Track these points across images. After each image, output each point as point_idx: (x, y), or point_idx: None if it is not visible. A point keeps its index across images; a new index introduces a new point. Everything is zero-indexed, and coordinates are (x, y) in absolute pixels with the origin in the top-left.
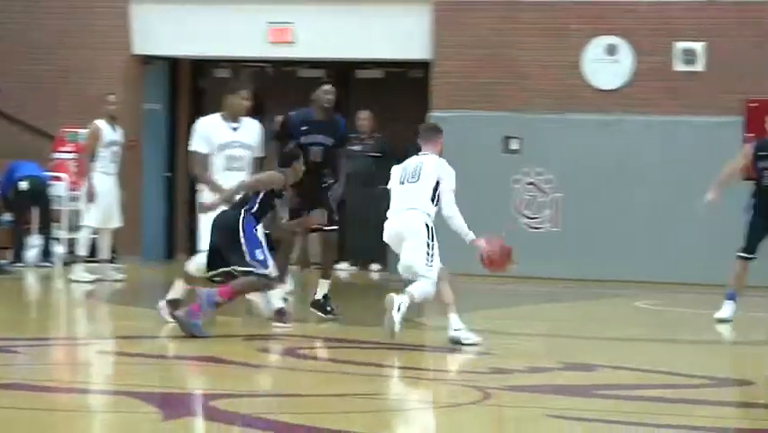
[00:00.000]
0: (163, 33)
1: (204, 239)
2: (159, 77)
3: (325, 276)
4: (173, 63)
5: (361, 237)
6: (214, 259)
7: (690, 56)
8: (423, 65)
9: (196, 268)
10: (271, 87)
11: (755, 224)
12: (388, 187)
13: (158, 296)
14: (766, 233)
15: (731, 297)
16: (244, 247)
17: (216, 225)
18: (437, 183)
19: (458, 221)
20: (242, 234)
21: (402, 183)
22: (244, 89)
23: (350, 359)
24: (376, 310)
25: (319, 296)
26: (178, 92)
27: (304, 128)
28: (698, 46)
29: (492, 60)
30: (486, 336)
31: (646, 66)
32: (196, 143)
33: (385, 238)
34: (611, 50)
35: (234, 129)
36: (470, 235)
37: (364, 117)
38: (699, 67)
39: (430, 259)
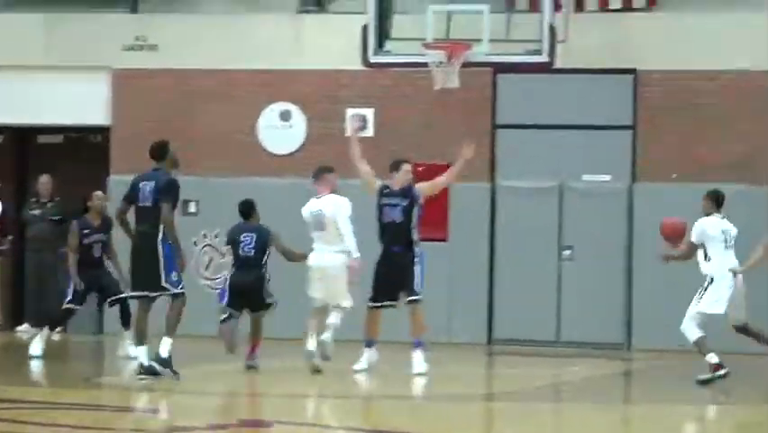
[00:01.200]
0: None
1: None
2: None
3: None
4: None
5: (43, 300)
6: None
7: (360, 122)
8: (102, 130)
9: None
10: None
11: None
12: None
13: None
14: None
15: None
16: None
17: None
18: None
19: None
20: None
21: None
22: None
23: (29, 420)
24: (55, 371)
25: None
26: None
27: None
28: (368, 112)
29: (170, 125)
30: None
31: (319, 131)
32: None
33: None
34: (285, 116)
35: None
36: (355, 254)
37: (44, 182)
38: (369, 132)
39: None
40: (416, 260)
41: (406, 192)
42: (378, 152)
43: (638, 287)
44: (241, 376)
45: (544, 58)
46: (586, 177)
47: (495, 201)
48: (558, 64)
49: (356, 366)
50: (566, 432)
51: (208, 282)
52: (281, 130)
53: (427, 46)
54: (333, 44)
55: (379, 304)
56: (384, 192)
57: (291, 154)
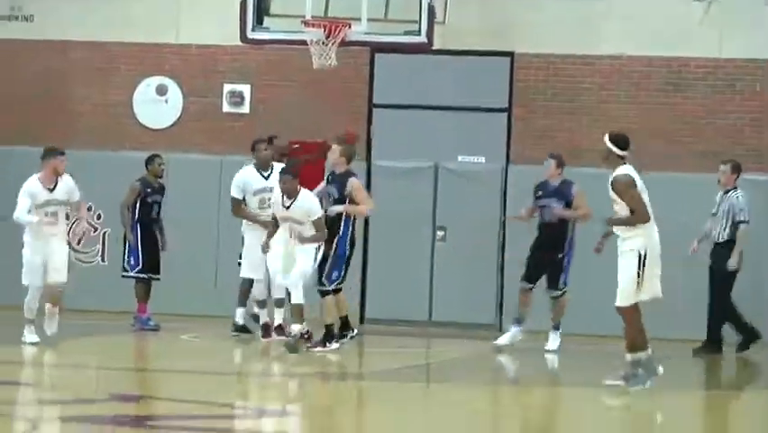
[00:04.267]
0: None
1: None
2: None
3: None
4: None
5: None
6: None
7: (237, 98)
8: None
9: None
10: None
11: None
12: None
13: None
14: None
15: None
16: None
17: None
18: None
19: None
20: None
21: None
22: None
23: None
24: None
25: None
26: None
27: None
28: (245, 88)
29: (45, 98)
30: (36, 368)
31: (195, 107)
32: None
33: None
34: (161, 90)
35: None
36: None
37: None
38: (245, 109)
39: None
40: None
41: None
42: (253, 129)
43: (510, 269)
44: None
45: (422, 38)
46: (461, 158)
47: (370, 181)
48: (436, 45)
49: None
50: (432, 411)
51: (80, 256)
52: (157, 104)
53: (306, 23)
54: (211, 19)
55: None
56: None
57: (166, 129)
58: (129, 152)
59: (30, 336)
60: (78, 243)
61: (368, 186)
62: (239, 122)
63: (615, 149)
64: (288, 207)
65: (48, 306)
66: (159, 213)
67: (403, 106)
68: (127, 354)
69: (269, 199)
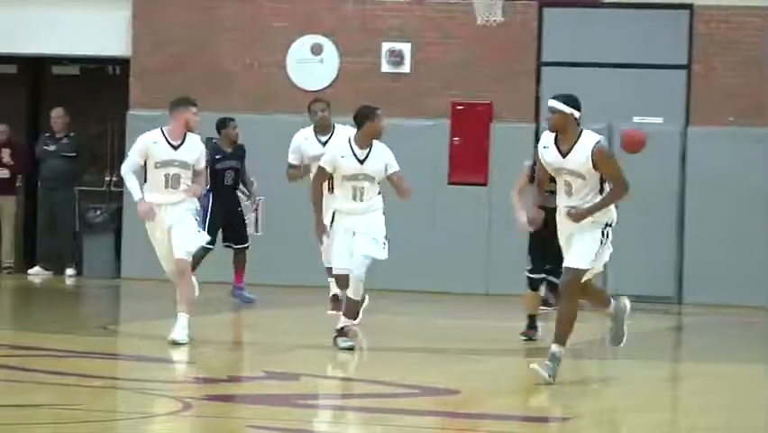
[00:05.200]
0: None
1: None
2: None
3: None
4: None
5: (56, 240)
6: None
7: (397, 57)
8: (121, 61)
9: None
10: None
11: None
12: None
13: None
14: None
15: None
16: None
17: None
18: None
19: None
20: None
21: None
22: None
23: (46, 368)
24: (70, 316)
25: None
26: None
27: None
28: (405, 47)
29: (193, 58)
30: (189, 345)
31: (352, 67)
32: None
33: None
34: (316, 49)
35: None
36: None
37: (58, 115)
38: (405, 68)
39: None
40: None
41: None
42: (414, 90)
43: (690, 236)
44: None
45: None
46: (637, 119)
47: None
48: None
49: None
50: (612, 386)
51: None
52: (312, 64)
53: None
54: None
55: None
56: None
57: (322, 90)
58: (282, 115)
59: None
60: None
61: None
62: (398, 82)
63: (573, 111)
64: (364, 161)
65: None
66: (237, 180)
67: (573, 64)
68: (274, 330)
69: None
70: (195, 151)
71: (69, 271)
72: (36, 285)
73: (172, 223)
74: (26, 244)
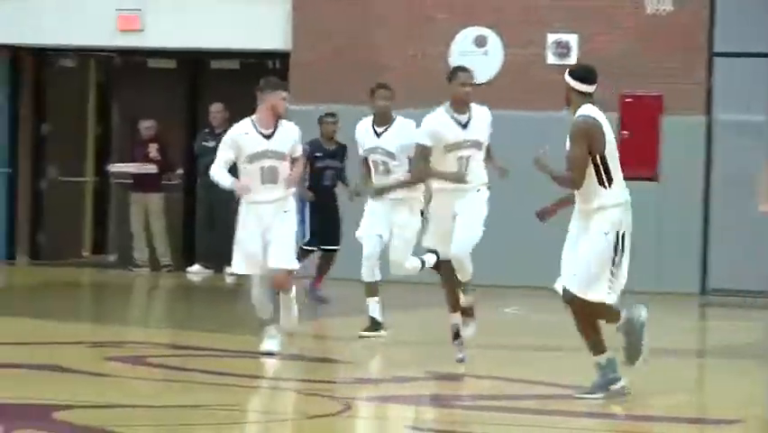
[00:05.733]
0: (2, 20)
1: None
2: None
3: None
4: (14, 52)
5: (215, 238)
6: None
7: (563, 49)
8: (281, 55)
9: None
10: (120, 77)
11: None
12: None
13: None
14: None
15: None
16: None
17: None
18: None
19: None
20: None
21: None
22: None
23: (205, 368)
24: (229, 315)
25: None
26: (19, 83)
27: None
28: (571, 38)
29: (352, 51)
30: (350, 345)
31: (517, 59)
32: None
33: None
34: (480, 41)
35: None
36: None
37: (217, 110)
38: (572, 60)
39: None
40: None
41: None
42: None
43: None
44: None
45: None
46: None
47: (711, 137)
48: None
49: None
50: None
51: None
52: (476, 57)
53: None
54: None
55: None
56: None
57: (486, 83)
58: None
59: (269, 341)
60: None
61: (707, 142)
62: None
63: (576, 84)
64: (466, 126)
65: (280, 295)
66: (336, 180)
67: (748, 54)
68: (437, 329)
69: (384, 163)
70: (289, 138)
71: (229, 270)
72: (195, 284)
73: (272, 229)
74: (185, 241)
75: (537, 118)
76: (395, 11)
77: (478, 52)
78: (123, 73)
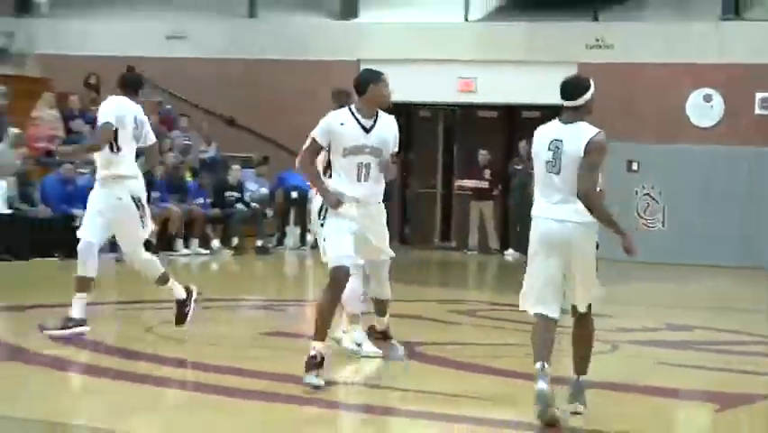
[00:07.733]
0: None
1: None
2: None
3: None
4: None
5: (524, 231)
6: None
7: (767, 103)
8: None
9: None
10: (459, 124)
11: None
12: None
13: None
14: None
15: None
16: None
17: None
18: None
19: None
20: None
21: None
22: None
23: (514, 319)
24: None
25: None
26: None
27: None
28: None
29: (617, 104)
30: (609, 305)
31: (732, 110)
32: None
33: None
34: (707, 98)
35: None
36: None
37: (523, 146)
38: None
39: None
40: None
41: None
42: None
43: None
44: None
45: None
46: None
47: None
48: None
49: None
50: None
51: (644, 222)
52: (704, 108)
53: None
54: (747, 43)
55: None
56: None
57: (711, 127)
58: (683, 145)
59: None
60: (644, 212)
61: None
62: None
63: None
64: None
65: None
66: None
67: None
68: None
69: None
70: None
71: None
72: (509, 262)
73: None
74: (503, 233)
75: (742, 152)
76: (650, 76)
77: (706, 105)
78: (462, 120)
